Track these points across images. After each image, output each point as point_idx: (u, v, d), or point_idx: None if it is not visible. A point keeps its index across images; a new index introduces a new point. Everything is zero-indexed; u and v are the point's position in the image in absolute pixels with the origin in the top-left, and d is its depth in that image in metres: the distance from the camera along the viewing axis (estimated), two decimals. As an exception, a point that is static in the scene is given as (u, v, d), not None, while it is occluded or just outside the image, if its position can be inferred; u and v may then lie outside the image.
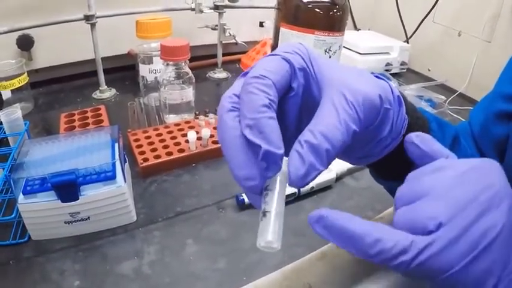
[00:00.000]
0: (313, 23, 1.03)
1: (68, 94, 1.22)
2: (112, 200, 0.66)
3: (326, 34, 1.03)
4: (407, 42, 1.60)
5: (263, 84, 0.34)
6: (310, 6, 1.03)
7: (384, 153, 0.44)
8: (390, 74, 1.41)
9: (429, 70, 1.56)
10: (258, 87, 0.34)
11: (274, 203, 0.35)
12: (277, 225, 0.34)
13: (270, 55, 0.37)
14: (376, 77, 0.42)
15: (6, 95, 1.03)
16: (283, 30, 1.07)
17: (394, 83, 1.29)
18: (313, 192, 0.79)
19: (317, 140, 0.33)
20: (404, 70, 1.57)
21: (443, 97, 1.24)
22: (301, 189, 0.76)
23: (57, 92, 1.24)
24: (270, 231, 0.33)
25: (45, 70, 1.24)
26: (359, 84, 0.36)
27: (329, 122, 0.33)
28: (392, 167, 0.47)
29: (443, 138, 0.50)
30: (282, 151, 0.33)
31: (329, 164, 0.34)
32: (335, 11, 1.04)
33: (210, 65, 1.43)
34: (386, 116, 0.40)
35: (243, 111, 0.34)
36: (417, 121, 0.46)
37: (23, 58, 1.10)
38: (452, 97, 1.30)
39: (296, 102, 0.38)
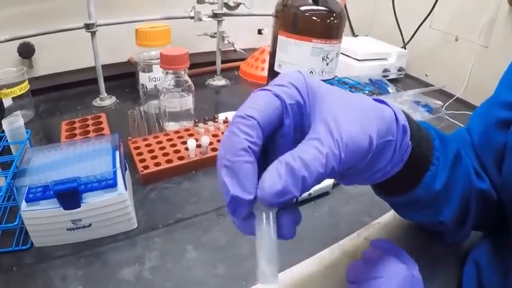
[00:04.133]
0: (310, 31, 1.05)
1: (68, 101, 1.23)
2: (113, 207, 0.67)
3: (323, 42, 1.05)
4: (405, 48, 1.62)
5: (246, 125, 0.34)
6: (307, 14, 1.05)
7: (384, 179, 0.43)
8: (388, 79, 1.42)
9: (426, 75, 1.58)
10: (240, 128, 0.34)
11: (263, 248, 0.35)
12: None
13: (262, 90, 0.37)
14: (384, 103, 0.42)
15: (8, 102, 1.04)
16: (281, 38, 1.09)
17: (391, 89, 1.30)
18: (310, 199, 0.80)
19: (296, 164, 0.32)
20: (402, 75, 1.58)
21: (440, 102, 1.25)
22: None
23: (57, 99, 1.25)
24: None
25: (46, 77, 1.25)
26: (350, 125, 0.35)
27: (311, 152, 0.33)
28: (393, 187, 0.48)
29: (445, 156, 0.49)
30: (250, 197, 0.33)
31: (303, 192, 0.33)
32: (332, 19, 1.06)
33: (209, 72, 1.44)
34: (386, 147, 0.39)
35: (222, 151, 0.34)
36: (421, 142, 0.46)
37: (24, 66, 1.11)
38: (449, 102, 1.31)
39: (289, 137, 0.38)
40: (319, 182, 0.34)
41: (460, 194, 0.52)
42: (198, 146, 0.90)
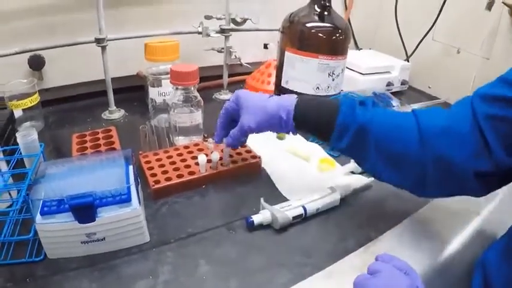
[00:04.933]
0: (317, 47, 1.06)
1: (77, 113, 1.25)
2: (127, 221, 0.68)
3: (329, 58, 1.06)
4: (408, 61, 1.63)
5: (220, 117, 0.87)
6: (313, 31, 1.06)
7: (291, 133, 0.79)
8: (391, 92, 1.43)
9: (429, 87, 1.59)
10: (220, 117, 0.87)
11: None
12: None
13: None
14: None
15: (18, 113, 1.05)
16: (289, 54, 1.10)
17: (395, 102, 1.31)
18: (319, 213, 0.81)
19: (232, 134, 0.84)
20: (405, 88, 1.59)
21: None
22: (308, 211, 0.78)
23: (67, 111, 1.27)
24: None
25: (55, 89, 1.27)
26: (248, 118, 0.80)
27: (235, 130, 0.83)
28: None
29: (351, 125, 0.70)
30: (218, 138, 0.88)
31: (234, 141, 0.85)
32: (337, 35, 1.08)
33: (215, 86, 1.46)
34: (272, 125, 0.78)
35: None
36: (321, 117, 0.74)
37: (34, 78, 1.13)
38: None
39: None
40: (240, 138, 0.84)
41: (376, 153, 0.70)
42: (208, 161, 0.91)
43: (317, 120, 0.75)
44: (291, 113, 0.75)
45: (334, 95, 1.15)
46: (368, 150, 0.70)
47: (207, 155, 0.91)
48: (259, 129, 0.80)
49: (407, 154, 0.67)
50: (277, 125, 0.77)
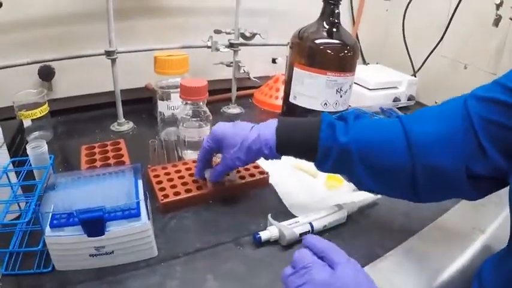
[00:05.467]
0: (325, 64, 1.07)
1: (86, 124, 1.26)
2: (136, 236, 0.68)
3: (338, 75, 1.07)
4: (415, 76, 1.63)
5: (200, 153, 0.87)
6: (322, 47, 1.07)
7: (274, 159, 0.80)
8: (398, 108, 1.43)
9: (436, 103, 1.58)
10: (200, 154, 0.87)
11: None
12: None
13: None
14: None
15: (27, 123, 1.07)
16: (297, 70, 1.11)
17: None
18: (325, 230, 0.81)
19: (217, 171, 0.85)
20: (412, 103, 1.59)
21: None
22: (315, 228, 0.78)
23: (75, 121, 1.28)
24: None
25: (64, 99, 1.28)
26: (231, 157, 0.80)
27: (219, 167, 0.84)
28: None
29: (332, 149, 0.72)
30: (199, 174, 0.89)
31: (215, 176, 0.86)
32: (346, 51, 1.08)
33: (224, 100, 1.47)
34: (258, 157, 0.80)
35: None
36: (304, 144, 0.75)
37: (44, 88, 1.14)
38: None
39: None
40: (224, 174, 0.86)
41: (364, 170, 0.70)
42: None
43: (299, 147, 0.76)
44: (273, 147, 0.76)
45: (342, 111, 1.15)
46: (354, 168, 0.71)
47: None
48: (245, 164, 0.82)
49: (395, 166, 0.67)
50: (262, 157, 0.80)
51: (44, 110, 1.09)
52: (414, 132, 0.66)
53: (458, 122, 0.62)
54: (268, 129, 0.78)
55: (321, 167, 0.76)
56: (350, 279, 0.53)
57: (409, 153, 0.65)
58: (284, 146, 0.76)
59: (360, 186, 0.75)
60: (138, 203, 0.69)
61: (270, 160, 0.80)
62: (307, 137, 0.74)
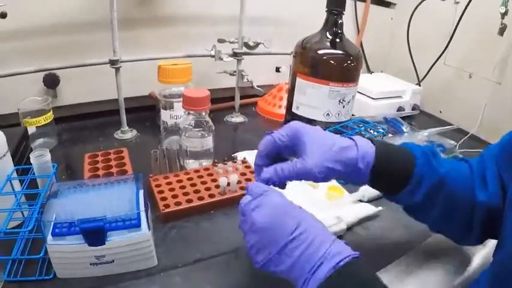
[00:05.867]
0: (328, 74, 1.07)
1: (90, 132, 1.27)
2: (136, 245, 0.69)
3: (340, 85, 1.07)
4: (419, 85, 1.63)
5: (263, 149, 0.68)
6: (325, 58, 1.07)
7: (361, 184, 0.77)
8: (402, 117, 1.43)
9: (441, 112, 1.59)
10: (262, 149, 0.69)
11: None
12: None
13: (267, 133, 0.69)
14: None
15: (32, 130, 1.08)
16: (300, 80, 1.11)
17: (406, 128, 1.32)
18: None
19: (284, 174, 0.65)
20: (416, 113, 1.59)
21: (454, 142, 1.24)
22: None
23: (79, 128, 1.28)
24: None
25: (69, 106, 1.29)
26: (315, 164, 0.63)
27: (291, 171, 0.65)
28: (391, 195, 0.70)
29: (426, 182, 0.65)
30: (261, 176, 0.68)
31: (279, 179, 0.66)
32: (349, 62, 1.08)
33: (227, 108, 1.47)
34: (346, 174, 0.65)
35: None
36: (396, 170, 0.66)
37: (49, 96, 1.15)
38: (463, 139, 1.31)
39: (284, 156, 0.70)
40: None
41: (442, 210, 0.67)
42: (217, 186, 0.93)
43: (394, 173, 0.67)
44: (371, 162, 0.65)
45: (345, 121, 1.15)
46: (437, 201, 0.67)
47: (215, 181, 0.94)
48: (326, 179, 0.66)
49: (467, 203, 0.66)
50: (349, 175, 0.66)
51: (49, 117, 1.10)
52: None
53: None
54: (363, 140, 0.67)
55: (410, 195, 0.67)
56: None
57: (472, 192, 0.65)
58: (380, 165, 0.65)
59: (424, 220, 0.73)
60: (139, 214, 0.69)
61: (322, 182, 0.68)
62: (403, 161, 0.66)
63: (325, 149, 0.64)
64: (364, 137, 0.70)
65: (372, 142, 0.67)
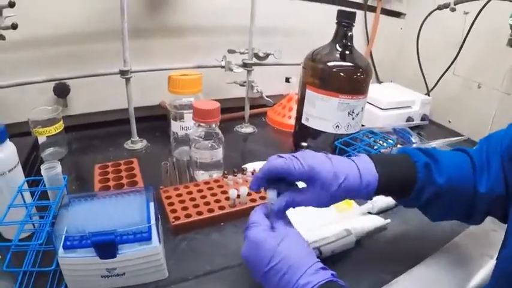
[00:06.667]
0: (337, 86, 1.07)
1: (100, 141, 1.27)
2: (147, 258, 0.69)
3: (350, 97, 1.07)
4: (429, 95, 1.63)
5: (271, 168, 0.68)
6: (334, 70, 1.07)
7: (367, 199, 0.70)
8: (410, 128, 1.43)
9: (450, 122, 1.59)
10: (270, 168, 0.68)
11: None
12: None
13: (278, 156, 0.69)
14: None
15: (42, 139, 1.09)
16: (309, 92, 1.11)
17: (414, 139, 1.31)
18: (333, 256, 0.80)
19: (288, 202, 0.68)
20: (426, 123, 1.59)
21: None
22: (323, 252, 0.78)
23: (89, 138, 1.29)
24: None
25: (79, 116, 1.31)
26: (324, 195, 0.67)
27: (297, 198, 0.68)
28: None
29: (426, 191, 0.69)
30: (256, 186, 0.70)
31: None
32: (359, 74, 1.08)
33: (237, 118, 1.47)
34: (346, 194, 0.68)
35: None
36: (395, 182, 0.69)
37: (59, 105, 1.16)
38: (472, 149, 1.30)
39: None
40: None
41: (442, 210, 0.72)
42: (227, 198, 0.93)
43: (395, 193, 0.73)
44: (373, 190, 0.68)
45: (354, 133, 1.15)
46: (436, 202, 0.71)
47: (225, 192, 0.94)
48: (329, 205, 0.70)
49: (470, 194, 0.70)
50: (351, 198, 0.71)
51: (59, 127, 1.11)
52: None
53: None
54: (365, 164, 0.69)
55: (408, 203, 0.74)
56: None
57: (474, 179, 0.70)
58: (383, 189, 0.69)
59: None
60: (149, 227, 0.69)
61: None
62: (406, 181, 0.70)
63: (334, 189, 0.66)
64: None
65: (372, 160, 0.70)
